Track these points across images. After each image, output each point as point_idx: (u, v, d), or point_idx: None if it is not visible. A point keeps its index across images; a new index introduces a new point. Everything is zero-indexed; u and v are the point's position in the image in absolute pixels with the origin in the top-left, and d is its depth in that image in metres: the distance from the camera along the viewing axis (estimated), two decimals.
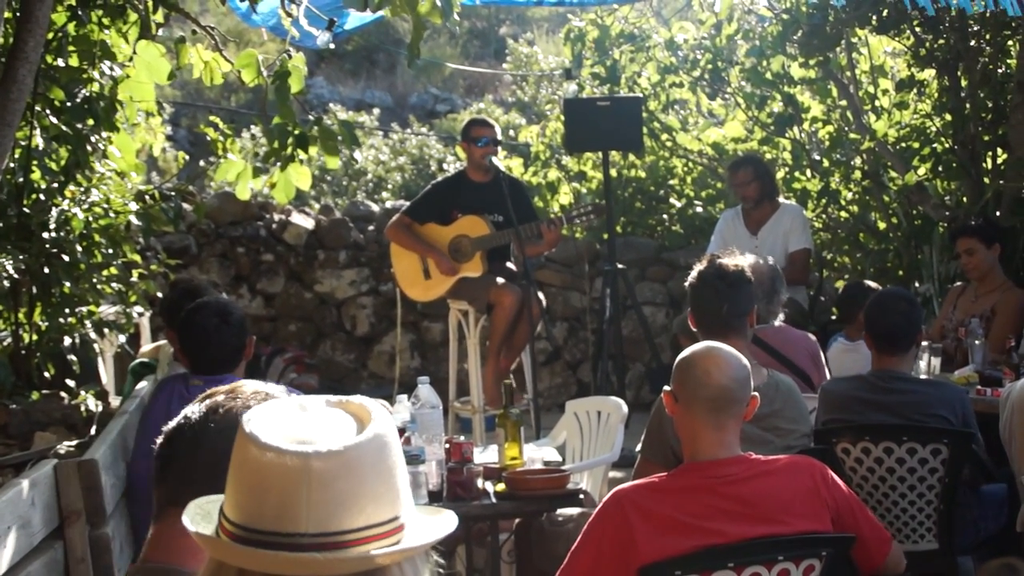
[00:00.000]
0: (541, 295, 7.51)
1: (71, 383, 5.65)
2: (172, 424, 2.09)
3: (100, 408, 5.43)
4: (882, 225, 8.95)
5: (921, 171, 8.50)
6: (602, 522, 3.19)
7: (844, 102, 9.02)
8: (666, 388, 3.36)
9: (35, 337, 5.40)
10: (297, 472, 1.52)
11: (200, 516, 1.69)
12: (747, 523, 3.15)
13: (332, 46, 5.03)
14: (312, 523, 1.52)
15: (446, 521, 1.68)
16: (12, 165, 5.01)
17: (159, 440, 2.09)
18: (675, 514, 3.14)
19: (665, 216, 10.44)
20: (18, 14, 3.97)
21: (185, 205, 7.63)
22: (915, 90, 8.73)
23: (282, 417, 1.63)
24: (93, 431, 5.04)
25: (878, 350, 4.66)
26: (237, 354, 4.24)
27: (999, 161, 8.10)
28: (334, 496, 1.53)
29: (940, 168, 8.51)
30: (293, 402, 1.67)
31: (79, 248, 5.33)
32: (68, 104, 5.18)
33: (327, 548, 1.52)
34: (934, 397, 4.55)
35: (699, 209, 10.19)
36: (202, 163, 14.01)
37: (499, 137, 7.43)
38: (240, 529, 1.56)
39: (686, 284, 4.40)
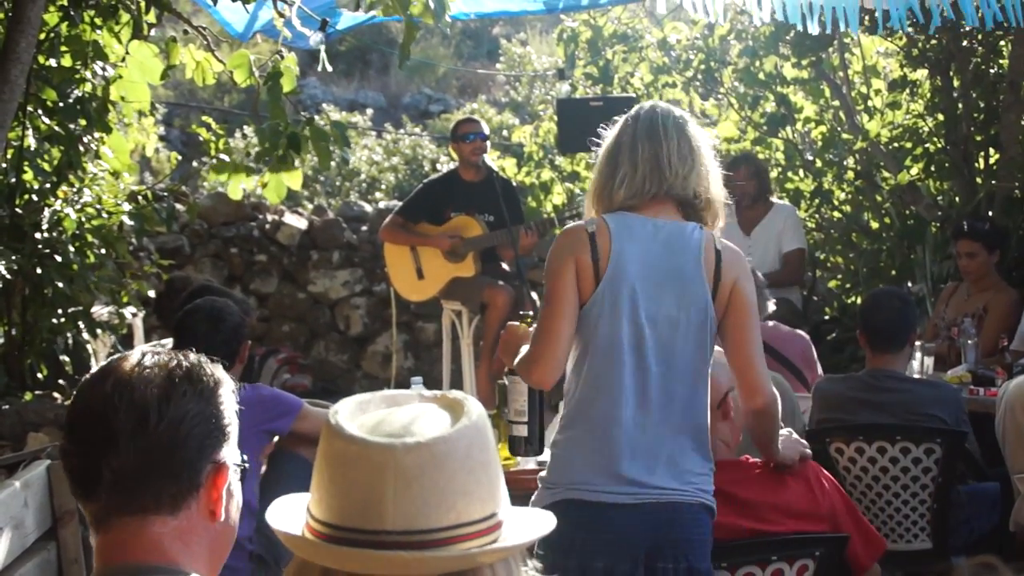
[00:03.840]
0: (535, 295, 7.51)
1: (64, 383, 5.64)
2: (76, 435, 1.77)
3: None
4: (875, 225, 8.96)
5: (914, 171, 8.51)
6: None
7: (837, 102, 9.03)
8: None
9: (28, 337, 5.39)
10: (382, 466, 1.45)
11: (283, 513, 1.61)
12: (744, 523, 3.15)
13: (329, 68, 5.02)
14: (398, 520, 1.45)
15: (543, 521, 1.59)
16: (4, 165, 5.01)
17: (68, 453, 1.78)
18: None
19: None
20: (10, 14, 3.97)
21: (178, 205, 7.63)
22: (907, 90, 8.74)
23: (371, 410, 1.56)
24: None
25: (871, 349, 4.66)
26: (227, 360, 4.21)
27: (991, 161, 8.11)
28: (421, 492, 1.45)
29: (933, 168, 8.52)
30: (384, 396, 1.59)
31: (72, 248, 5.33)
32: (60, 104, 5.17)
33: (413, 546, 1.45)
34: (928, 396, 4.55)
35: None
36: (195, 163, 13.99)
37: (486, 133, 7.44)
38: (324, 526, 1.50)
39: None
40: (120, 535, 1.74)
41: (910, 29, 6.23)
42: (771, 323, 5.33)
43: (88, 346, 5.73)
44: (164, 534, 1.74)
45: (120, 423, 1.71)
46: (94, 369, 1.80)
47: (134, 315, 6.36)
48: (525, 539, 1.53)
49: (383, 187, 15.70)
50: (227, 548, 1.83)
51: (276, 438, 4.32)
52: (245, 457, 1.84)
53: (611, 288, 3.10)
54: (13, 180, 5.13)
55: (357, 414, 1.55)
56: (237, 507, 1.83)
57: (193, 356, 1.81)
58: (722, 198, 3.25)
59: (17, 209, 5.18)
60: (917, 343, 5.28)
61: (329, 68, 4.99)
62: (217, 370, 1.82)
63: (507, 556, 1.52)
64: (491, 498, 1.51)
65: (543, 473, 3.18)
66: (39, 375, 5.47)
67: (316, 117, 4.94)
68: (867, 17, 6.73)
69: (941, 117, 8.39)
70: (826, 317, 8.64)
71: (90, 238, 5.56)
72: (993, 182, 7.73)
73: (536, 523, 1.57)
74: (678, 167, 3.13)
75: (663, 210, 3.17)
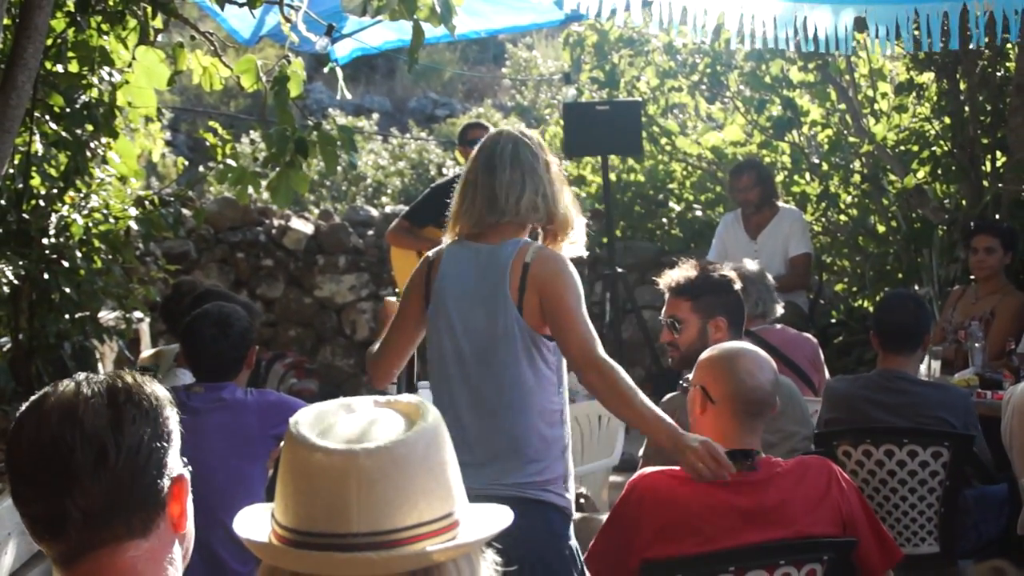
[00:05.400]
0: None
1: None
2: (32, 478, 1.70)
3: None
4: (881, 228, 8.95)
5: (920, 174, 8.50)
6: (621, 504, 3.23)
7: (843, 105, 9.02)
8: (695, 386, 3.33)
9: (35, 343, 5.39)
10: (345, 471, 1.51)
11: (249, 524, 1.65)
12: (763, 527, 3.14)
13: (348, 95, 5.04)
14: (364, 522, 1.50)
15: (501, 516, 1.65)
16: (11, 171, 5.01)
17: (26, 499, 1.72)
18: (691, 510, 3.14)
19: (665, 220, 10.44)
20: (17, 20, 3.97)
21: (185, 210, 7.63)
22: (914, 93, 8.73)
23: (330, 419, 1.61)
24: None
25: (884, 350, 4.67)
26: (235, 364, 4.21)
27: (998, 164, 8.10)
28: (384, 493, 1.51)
29: (939, 171, 8.51)
30: (341, 404, 1.64)
31: (79, 254, 5.33)
32: (67, 110, 5.17)
33: (380, 547, 1.51)
34: (936, 399, 4.56)
35: (699, 213, 10.19)
36: (201, 168, 14.01)
37: None
38: (292, 533, 1.54)
39: (728, 288, 4.32)
40: (93, 568, 1.70)
41: (915, 32, 6.20)
42: (779, 326, 5.33)
43: (95, 351, 5.74)
44: (138, 557, 1.72)
45: (78, 461, 1.66)
46: (30, 402, 1.74)
47: (140, 320, 6.36)
48: (482, 535, 1.59)
49: (389, 191, 15.71)
50: (189, 552, 1.83)
51: (283, 443, 4.33)
52: (184, 460, 1.81)
53: (435, 308, 3.58)
54: (20, 185, 5.13)
55: (317, 423, 1.60)
56: (191, 511, 1.83)
57: (129, 376, 1.77)
58: (567, 208, 3.64)
59: (24, 214, 5.18)
60: None
61: (348, 96, 5.02)
62: (154, 386, 1.79)
63: (467, 552, 1.58)
64: (449, 497, 1.57)
65: None
66: (46, 380, 5.47)
67: (323, 122, 4.93)
68: (864, 35, 6.73)
69: (948, 120, 8.39)
70: (832, 320, 8.63)
71: (97, 243, 5.56)
72: (1000, 185, 7.72)
73: (492, 519, 1.64)
74: (509, 194, 3.53)
75: (504, 234, 3.57)
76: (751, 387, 3.24)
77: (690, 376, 3.42)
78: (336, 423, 1.60)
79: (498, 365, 3.47)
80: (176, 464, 1.77)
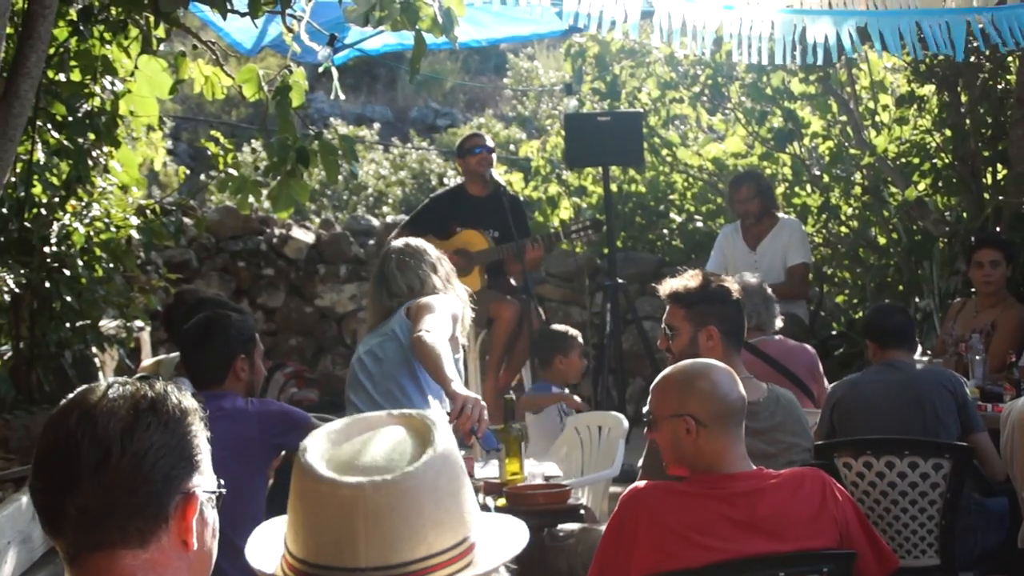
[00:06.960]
0: (541, 309, 7.51)
1: None
2: (41, 472, 1.71)
3: None
4: (882, 240, 8.95)
5: (921, 186, 8.51)
6: (616, 520, 3.21)
7: (844, 117, 9.03)
8: (679, 416, 3.20)
9: (35, 351, 5.40)
10: (352, 505, 1.48)
11: (261, 546, 1.64)
12: (757, 539, 3.13)
13: (342, 96, 5.05)
14: (371, 556, 1.48)
15: (518, 534, 1.62)
16: (13, 180, 5.02)
17: (34, 491, 1.73)
18: (684, 522, 3.13)
19: (665, 231, 10.44)
20: (20, 29, 3.98)
21: (186, 219, 7.63)
22: (915, 105, 8.74)
23: (339, 442, 1.58)
24: None
25: (883, 348, 4.88)
26: (219, 371, 4.16)
27: (999, 177, 8.11)
28: (392, 528, 1.48)
29: (940, 183, 8.52)
30: (352, 422, 1.61)
31: (80, 262, 5.34)
32: (70, 119, 5.18)
33: None
34: (935, 372, 4.89)
35: (699, 224, 10.19)
36: (203, 177, 14.02)
37: (491, 145, 7.46)
38: (300, 563, 1.53)
39: (723, 298, 4.26)
40: (91, 571, 1.68)
41: (918, 44, 6.19)
42: (777, 337, 5.34)
43: (96, 360, 5.74)
44: (136, 567, 1.67)
45: (82, 459, 1.65)
46: (62, 402, 1.73)
47: (141, 329, 6.36)
48: (497, 561, 1.56)
49: (390, 201, 15.70)
50: (206, 574, 1.79)
51: (283, 452, 4.32)
52: (221, 482, 1.77)
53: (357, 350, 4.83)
54: (22, 194, 5.14)
55: (327, 448, 1.57)
56: (213, 533, 1.77)
57: (160, 385, 1.74)
58: (443, 283, 4.76)
59: (26, 223, 5.19)
60: (924, 358, 5.32)
61: (342, 96, 5.01)
62: (185, 398, 1.74)
63: None
64: (461, 524, 1.54)
65: None
66: (46, 388, 5.47)
67: (324, 131, 4.94)
68: (867, 44, 6.71)
69: (948, 133, 8.39)
70: (833, 332, 8.63)
71: (98, 252, 5.57)
72: (1001, 198, 7.73)
73: (509, 538, 1.60)
74: (407, 288, 4.73)
75: None
76: (737, 397, 3.22)
77: (647, 408, 3.33)
78: (345, 449, 1.57)
79: (394, 362, 4.56)
80: (198, 481, 1.72)
